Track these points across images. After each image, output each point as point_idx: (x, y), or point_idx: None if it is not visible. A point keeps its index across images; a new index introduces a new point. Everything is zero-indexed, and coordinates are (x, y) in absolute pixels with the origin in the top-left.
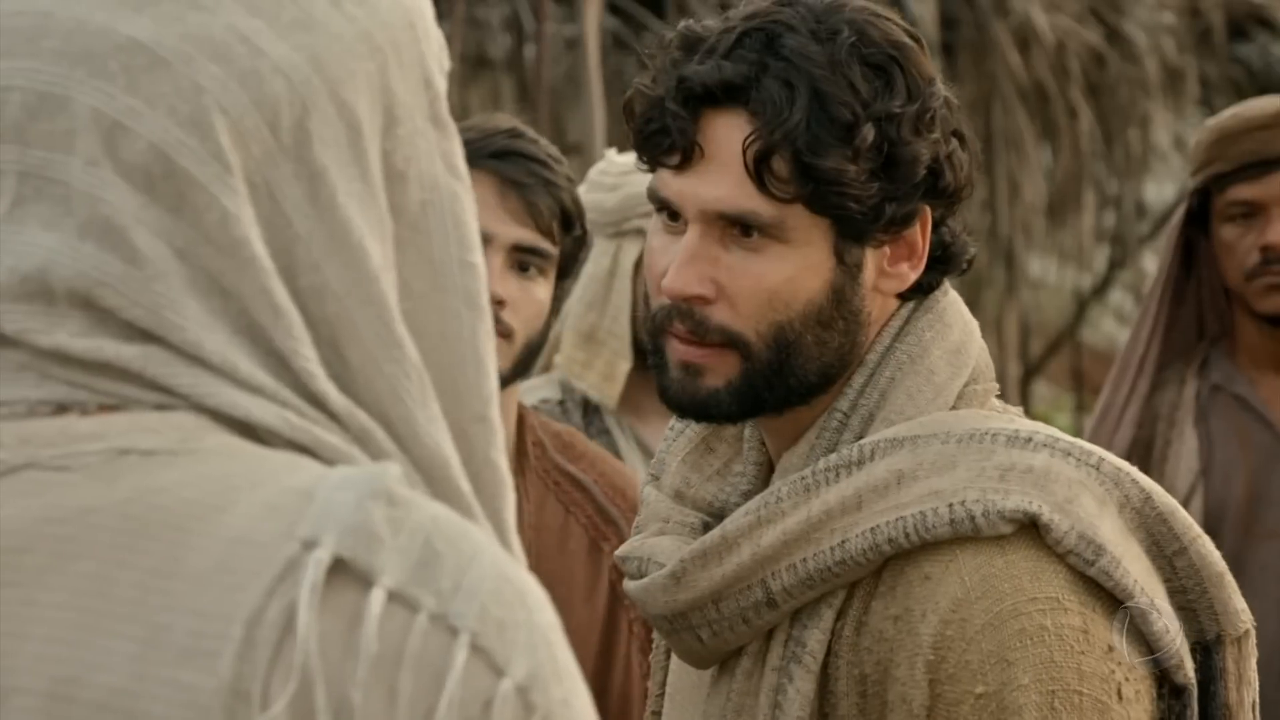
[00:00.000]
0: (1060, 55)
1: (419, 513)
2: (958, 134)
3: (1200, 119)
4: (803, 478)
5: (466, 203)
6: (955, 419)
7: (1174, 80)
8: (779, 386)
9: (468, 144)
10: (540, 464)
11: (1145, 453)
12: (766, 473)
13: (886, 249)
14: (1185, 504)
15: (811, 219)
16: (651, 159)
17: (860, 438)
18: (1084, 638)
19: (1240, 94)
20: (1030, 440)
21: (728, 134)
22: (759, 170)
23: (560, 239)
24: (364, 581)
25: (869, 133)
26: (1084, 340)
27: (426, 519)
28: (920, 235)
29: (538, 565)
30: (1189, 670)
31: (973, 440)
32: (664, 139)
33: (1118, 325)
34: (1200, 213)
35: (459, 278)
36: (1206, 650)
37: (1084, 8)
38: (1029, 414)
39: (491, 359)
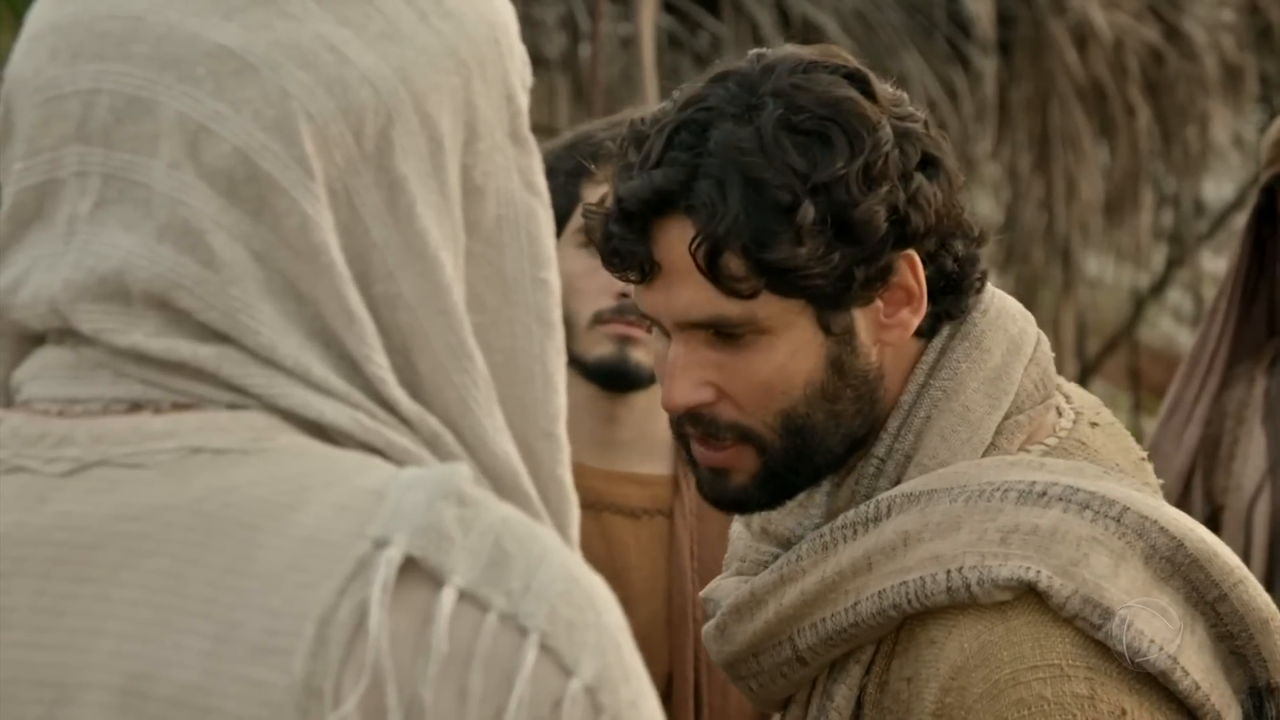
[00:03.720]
0: (1118, 53)
1: (489, 513)
2: (926, 160)
3: (1260, 117)
4: (821, 535)
5: (543, 219)
6: (976, 470)
7: (1233, 78)
8: (805, 469)
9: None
10: None
11: (1213, 451)
12: None
13: (878, 302)
14: (1252, 503)
15: (783, 303)
16: (621, 277)
17: (896, 483)
18: (1089, 704)
19: None
20: (1045, 494)
21: (678, 240)
22: (713, 272)
23: None
24: (435, 581)
25: (809, 210)
26: (1141, 339)
27: (497, 519)
28: (912, 278)
29: (701, 551)
30: None
31: (981, 498)
32: (619, 260)
33: (1175, 324)
34: (1270, 210)
35: (531, 294)
36: (1259, 696)
37: (1142, 5)
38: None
39: (561, 376)
